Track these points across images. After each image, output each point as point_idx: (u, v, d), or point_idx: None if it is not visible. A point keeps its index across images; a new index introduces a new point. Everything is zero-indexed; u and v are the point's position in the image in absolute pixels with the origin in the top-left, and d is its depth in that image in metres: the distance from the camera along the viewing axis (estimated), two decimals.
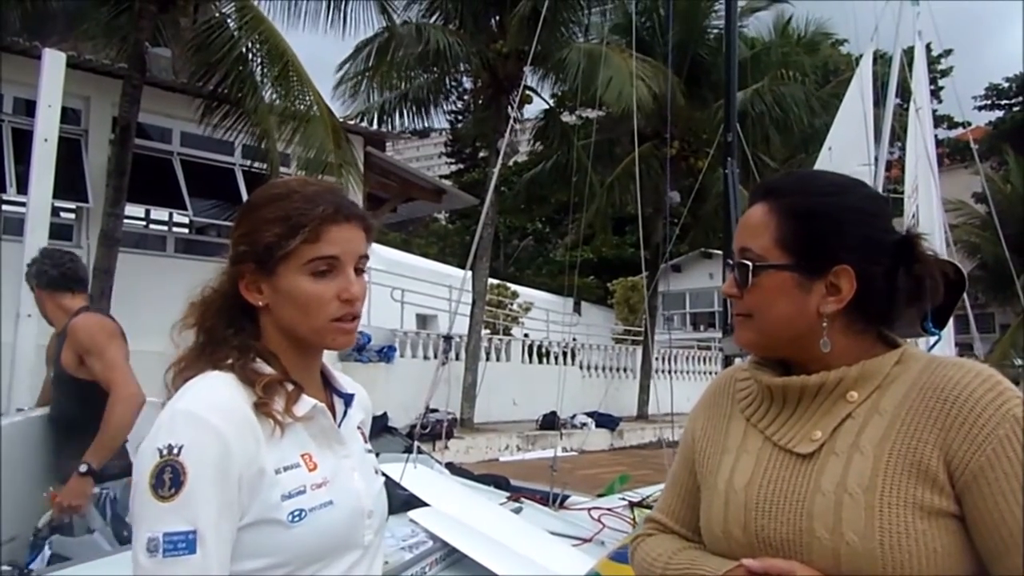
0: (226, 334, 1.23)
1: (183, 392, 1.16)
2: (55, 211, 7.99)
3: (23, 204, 6.49)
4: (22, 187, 6.32)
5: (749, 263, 1.17)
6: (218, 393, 1.15)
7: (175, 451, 1.07)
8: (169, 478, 1.06)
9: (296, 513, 1.14)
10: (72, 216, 11.05)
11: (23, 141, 7.41)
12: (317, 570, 1.17)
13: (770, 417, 1.20)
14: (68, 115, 9.71)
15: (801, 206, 1.17)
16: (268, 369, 1.21)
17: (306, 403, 1.22)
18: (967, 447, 1.03)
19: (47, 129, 4.83)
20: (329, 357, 1.40)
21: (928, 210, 7.03)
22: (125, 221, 10.10)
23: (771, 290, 1.16)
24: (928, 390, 1.09)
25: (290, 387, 1.21)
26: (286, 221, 1.20)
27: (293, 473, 1.16)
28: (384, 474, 1.39)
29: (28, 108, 8.15)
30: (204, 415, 1.11)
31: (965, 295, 1.40)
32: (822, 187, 1.20)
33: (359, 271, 1.25)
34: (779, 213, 1.17)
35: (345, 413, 1.32)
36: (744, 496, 1.15)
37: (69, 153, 9.60)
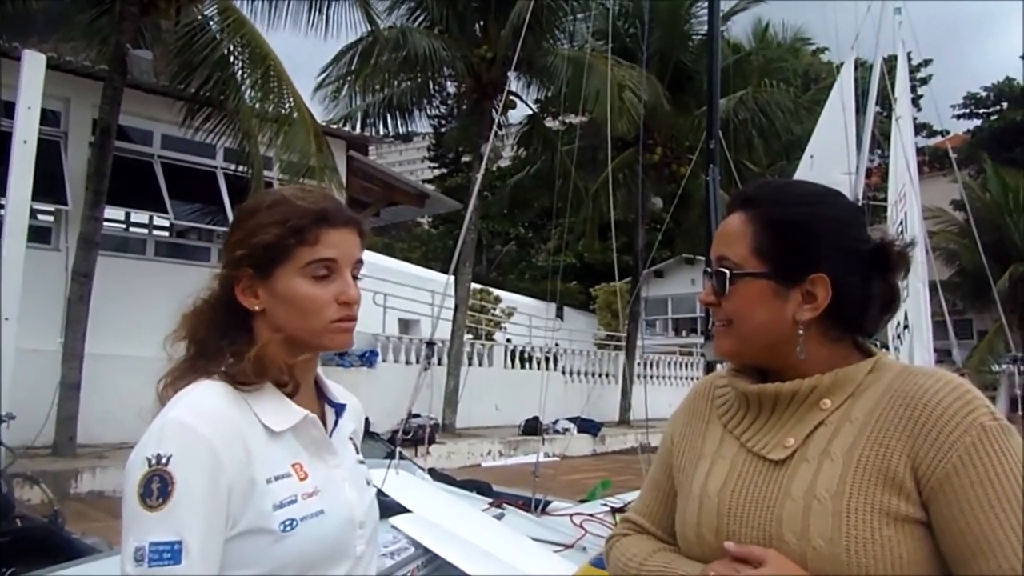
0: (219, 344, 1.23)
1: (175, 401, 1.16)
2: (33, 213, 7.93)
3: (1, 206, 6.42)
4: (0, 189, 6.25)
5: (726, 271, 1.19)
6: (209, 402, 1.15)
7: (164, 461, 1.07)
8: (157, 488, 1.06)
9: (288, 522, 1.14)
10: (51, 218, 10.95)
11: (1, 142, 7.33)
12: None
13: (746, 424, 1.21)
14: (48, 117, 9.61)
15: (778, 215, 1.19)
16: (261, 377, 1.20)
17: (297, 413, 1.22)
18: (933, 454, 1.04)
19: (26, 131, 4.79)
20: None
21: (911, 218, 7.10)
22: (105, 224, 10.03)
23: (748, 298, 1.18)
24: (898, 398, 1.10)
25: (282, 396, 1.22)
26: (284, 224, 1.20)
27: (284, 483, 1.16)
28: (374, 484, 1.40)
29: (7, 109, 8.04)
30: (194, 425, 1.11)
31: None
32: (799, 197, 1.22)
33: (354, 276, 1.25)
34: (756, 222, 1.19)
35: (336, 423, 1.33)
36: (717, 501, 1.16)
37: (48, 155, 9.50)
